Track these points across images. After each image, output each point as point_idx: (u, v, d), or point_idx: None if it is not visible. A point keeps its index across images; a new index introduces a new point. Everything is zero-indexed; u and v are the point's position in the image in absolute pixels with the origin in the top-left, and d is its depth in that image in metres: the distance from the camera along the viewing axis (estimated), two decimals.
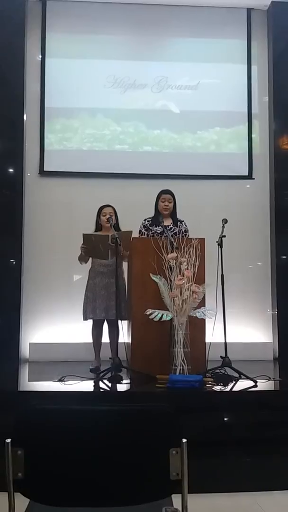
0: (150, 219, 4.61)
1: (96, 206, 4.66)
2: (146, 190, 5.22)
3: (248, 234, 5.68)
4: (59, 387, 3.73)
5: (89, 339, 4.60)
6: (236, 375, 3.95)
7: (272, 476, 3.11)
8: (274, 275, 5.63)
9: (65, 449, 1.44)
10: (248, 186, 5.87)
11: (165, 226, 4.49)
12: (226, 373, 3.96)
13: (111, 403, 3.10)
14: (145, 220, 4.63)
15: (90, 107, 5.77)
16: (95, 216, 4.63)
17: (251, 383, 3.85)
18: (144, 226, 4.59)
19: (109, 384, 3.86)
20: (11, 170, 5.54)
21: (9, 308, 5.23)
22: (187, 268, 3.85)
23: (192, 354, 3.84)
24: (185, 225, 4.61)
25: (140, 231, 4.59)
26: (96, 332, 4.57)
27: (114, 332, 4.40)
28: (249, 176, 5.85)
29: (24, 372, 4.81)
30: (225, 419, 3.48)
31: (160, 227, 4.50)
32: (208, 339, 4.09)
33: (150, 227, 4.56)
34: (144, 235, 4.54)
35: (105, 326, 4.58)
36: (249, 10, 5.98)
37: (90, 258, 4.55)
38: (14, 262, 5.36)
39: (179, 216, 4.66)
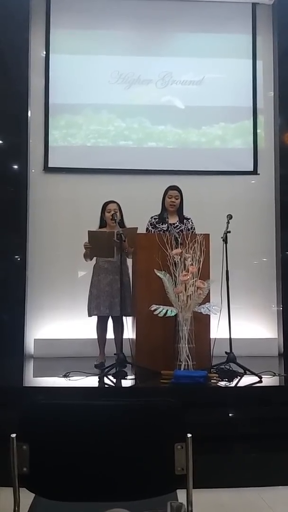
0: (156, 217, 4.60)
1: (101, 202, 4.65)
2: (150, 186, 5.22)
3: (253, 230, 5.65)
4: (64, 383, 3.74)
5: (94, 335, 4.61)
6: (241, 370, 3.96)
7: (276, 471, 3.11)
8: (279, 271, 5.62)
9: (69, 444, 1.45)
10: (253, 181, 5.85)
11: (171, 224, 4.48)
12: (231, 368, 3.97)
13: (115, 398, 3.10)
14: (151, 218, 4.61)
15: (94, 103, 5.76)
16: (99, 212, 4.62)
17: (256, 379, 3.86)
18: (151, 224, 4.58)
19: (114, 380, 3.87)
20: (15, 166, 5.55)
21: (14, 304, 5.24)
22: (192, 264, 3.84)
23: (197, 350, 3.84)
24: (191, 223, 4.59)
25: (147, 228, 4.58)
26: (101, 328, 4.58)
27: (118, 328, 4.40)
28: (254, 172, 5.83)
29: (29, 368, 4.83)
30: (230, 414, 3.49)
31: (165, 224, 4.49)
32: (213, 335, 4.10)
33: (156, 225, 4.55)
34: (151, 233, 4.52)
35: (110, 322, 4.58)
36: (254, 5, 5.94)
37: None
38: (19, 258, 5.37)
39: (185, 212, 4.64)
